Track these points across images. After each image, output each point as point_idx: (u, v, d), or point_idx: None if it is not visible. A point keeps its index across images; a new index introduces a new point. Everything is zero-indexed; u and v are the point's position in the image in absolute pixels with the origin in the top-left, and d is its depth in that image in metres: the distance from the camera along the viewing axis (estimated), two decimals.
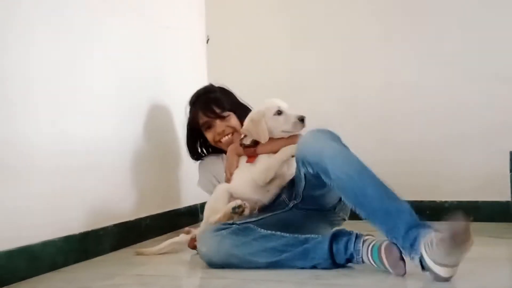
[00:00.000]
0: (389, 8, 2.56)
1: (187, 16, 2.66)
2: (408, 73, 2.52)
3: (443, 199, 2.45)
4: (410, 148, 2.50)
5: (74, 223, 1.68)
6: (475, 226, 1.25)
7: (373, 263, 1.34)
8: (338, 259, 1.40)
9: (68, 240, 1.63)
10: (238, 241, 1.49)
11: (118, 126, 1.95)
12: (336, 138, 1.48)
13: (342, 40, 2.63)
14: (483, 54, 2.40)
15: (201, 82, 2.26)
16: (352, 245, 1.37)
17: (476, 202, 2.39)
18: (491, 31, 2.39)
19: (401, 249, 1.27)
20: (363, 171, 1.37)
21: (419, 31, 2.51)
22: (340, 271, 1.38)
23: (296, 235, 1.46)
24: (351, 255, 1.38)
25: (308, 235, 1.45)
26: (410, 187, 2.42)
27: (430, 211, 2.40)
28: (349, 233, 1.41)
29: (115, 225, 1.88)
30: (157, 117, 2.23)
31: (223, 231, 1.53)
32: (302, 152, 1.51)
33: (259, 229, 1.50)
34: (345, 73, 2.62)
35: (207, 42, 2.78)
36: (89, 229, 1.74)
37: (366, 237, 1.38)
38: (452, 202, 2.43)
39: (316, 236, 1.44)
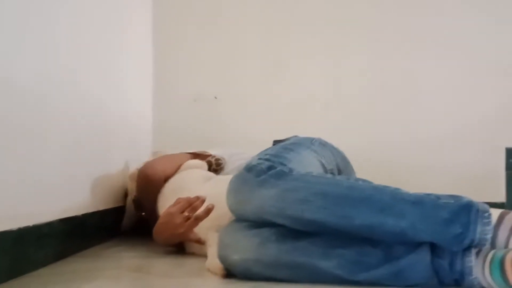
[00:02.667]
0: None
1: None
2: (401, 67, 2.24)
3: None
4: (401, 147, 2.22)
5: None
6: None
7: (493, 285, 0.91)
8: (444, 279, 0.95)
9: None
10: (289, 245, 0.99)
11: None
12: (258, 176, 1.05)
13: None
14: (479, 49, 2.20)
15: None
16: (460, 261, 0.94)
17: None
18: (488, 24, 2.20)
19: None
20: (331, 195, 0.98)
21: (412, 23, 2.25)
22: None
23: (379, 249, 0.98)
24: (461, 274, 0.94)
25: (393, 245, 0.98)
26: (399, 183, 2.17)
27: None
28: (457, 239, 0.93)
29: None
30: None
31: (263, 229, 1.02)
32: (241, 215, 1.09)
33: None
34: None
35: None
36: None
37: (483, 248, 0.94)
38: None
39: (408, 250, 0.97)
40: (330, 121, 2.22)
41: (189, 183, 1.41)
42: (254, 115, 2.23)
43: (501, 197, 2.15)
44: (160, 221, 1.32)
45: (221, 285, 0.99)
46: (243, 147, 2.17)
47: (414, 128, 2.22)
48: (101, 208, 1.55)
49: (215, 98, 2.25)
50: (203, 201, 1.29)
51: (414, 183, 2.10)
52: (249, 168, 1.05)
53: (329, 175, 1.05)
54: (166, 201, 1.38)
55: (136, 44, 2.04)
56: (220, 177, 1.47)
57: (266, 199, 1.00)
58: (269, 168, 1.04)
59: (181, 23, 2.27)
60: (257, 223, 1.03)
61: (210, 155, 1.61)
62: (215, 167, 1.57)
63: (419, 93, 2.23)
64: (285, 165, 1.08)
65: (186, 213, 1.27)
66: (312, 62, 2.25)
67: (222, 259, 1.04)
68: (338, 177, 1.03)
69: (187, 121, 2.23)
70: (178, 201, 1.32)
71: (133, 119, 1.97)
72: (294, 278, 0.99)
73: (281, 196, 0.99)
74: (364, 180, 1.02)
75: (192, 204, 1.29)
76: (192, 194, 1.31)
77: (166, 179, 1.50)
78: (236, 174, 1.08)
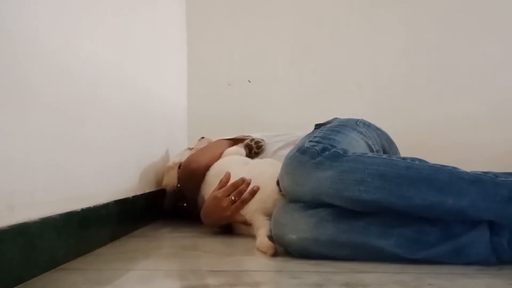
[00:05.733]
0: None
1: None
2: (437, 45, 2.21)
3: None
4: (439, 126, 2.21)
5: None
6: None
7: None
8: (503, 256, 0.96)
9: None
10: (346, 225, 1.01)
11: None
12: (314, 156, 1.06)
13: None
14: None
15: None
16: None
17: None
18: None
19: None
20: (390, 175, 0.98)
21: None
22: (508, 264, 0.96)
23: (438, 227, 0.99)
24: None
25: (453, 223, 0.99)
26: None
27: None
28: None
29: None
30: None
31: (319, 209, 1.04)
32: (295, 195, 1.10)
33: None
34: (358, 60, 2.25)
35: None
36: None
37: None
38: None
39: (467, 228, 0.98)
40: (365, 103, 2.21)
41: (231, 167, 1.43)
42: (288, 97, 2.24)
43: None
44: (206, 204, 1.35)
45: (284, 262, 1.01)
46: (278, 130, 2.19)
47: (452, 107, 2.20)
48: (147, 190, 1.58)
49: (249, 81, 2.26)
50: (248, 183, 1.31)
51: (454, 162, 2.13)
52: (303, 151, 1.07)
53: (384, 155, 1.05)
54: (210, 187, 1.41)
55: (171, 32, 2.05)
56: (257, 160, 1.49)
57: (323, 181, 1.01)
58: (323, 149, 1.05)
59: (213, 9, 2.27)
60: (313, 204, 1.05)
61: (249, 138, 1.62)
62: (256, 149, 1.58)
63: (456, 71, 2.20)
64: (336, 146, 1.10)
65: (232, 197, 1.30)
66: (345, 43, 2.24)
67: (278, 238, 1.06)
68: (394, 157, 1.03)
69: (221, 105, 2.24)
70: (222, 184, 1.34)
71: (171, 104, 2.00)
72: (353, 257, 1.00)
73: (338, 178, 1.00)
74: (420, 160, 1.02)
75: (237, 187, 1.31)
76: (234, 178, 1.34)
77: (208, 168, 1.52)
78: (290, 156, 1.10)
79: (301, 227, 1.03)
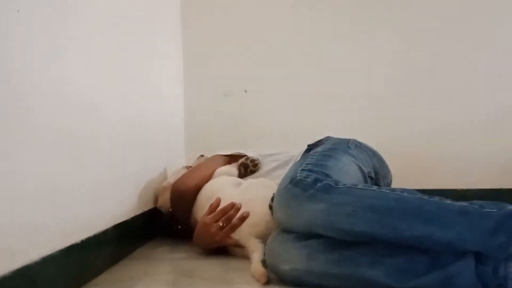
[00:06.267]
0: None
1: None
2: (432, 53, 2.23)
3: (465, 187, 2.22)
4: (428, 136, 2.23)
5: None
6: None
7: None
8: (488, 284, 0.99)
9: None
10: (337, 255, 1.05)
11: None
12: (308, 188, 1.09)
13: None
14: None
15: None
16: (503, 267, 0.97)
17: (500, 190, 2.20)
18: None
19: None
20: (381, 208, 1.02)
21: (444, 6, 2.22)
22: None
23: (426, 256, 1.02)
24: (504, 280, 0.97)
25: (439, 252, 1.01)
26: (430, 176, 2.21)
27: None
28: (502, 247, 0.97)
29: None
30: None
31: (311, 240, 1.07)
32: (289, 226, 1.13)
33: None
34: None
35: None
36: None
37: None
38: (474, 190, 2.21)
39: (454, 257, 1.00)
40: (361, 112, 2.24)
41: (222, 190, 1.45)
42: (284, 107, 2.26)
43: None
44: (197, 229, 1.39)
45: None
46: (275, 139, 2.22)
47: (447, 115, 2.22)
48: (145, 209, 1.62)
49: (245, 91, 2.28)
50: (238, 208, 1.35)
51: (449, 171, 2.17)
52: (295, 183, 1.10)
53: (375, 187, 1.08)
54: (201, 210, 1.44)
55: (166, 43, 2.07)
56: (250, 181, 1.50)
57: (315, 214, 1.04)
58: (315, 181, 1.08)
59: (209, 19, 2.29)
60: (306, 234, 1.08)
61: (245, 156, 1.64)
62: (252, 168, 1.61)
63: (451, 79, 2.22)
64: (328, 175, 1.13)
65: (220, 223, 1.33)
66: (341, 52, 2.26)
67: (272, 268, 1.10)
68: (384, 189, 1.06)
69: (219, 116, 2.27)
70: (212, 209, 1.37)
71: (168, 117, 2.02)
72: (344, 287, 1.03)
73: (330, 210, 1.03)
74: (409, 192, 1.05)
75: (226, 212, 1.35)
76: (225, 201, 1.36)
77: (198, 189, 1.54)
78: (283, 188, 1.13)
79: (294, 258, 1.06)
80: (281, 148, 1.77)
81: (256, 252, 1.21)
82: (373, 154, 1.46)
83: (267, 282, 1.09)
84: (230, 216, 1.33)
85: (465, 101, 2.22)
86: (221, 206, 1.37)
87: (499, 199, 2.11)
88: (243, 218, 1.32)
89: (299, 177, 1.10)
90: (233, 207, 1.35)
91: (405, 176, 2.17)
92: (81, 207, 1.14)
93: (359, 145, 1.44)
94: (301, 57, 2.27)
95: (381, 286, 1.01)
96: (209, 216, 1.35)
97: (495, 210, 0.99)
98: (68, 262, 1.05)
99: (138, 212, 1.54)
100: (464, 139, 2.22)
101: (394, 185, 1.94)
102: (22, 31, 0.91)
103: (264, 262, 1.14)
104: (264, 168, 1.61)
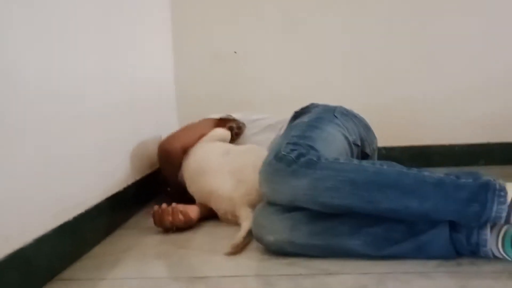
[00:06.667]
0: None
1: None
2: (422, 18, 2.20)
3: (453, 143, 2.26)
4: (416, 93, 2.24)
5: None
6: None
7: (506, 256, 1.00)
8: (461, 250, 1.05)
9: None
10: (319, 227, 1.10)
11: None
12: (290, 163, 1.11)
13: None
14: None
15: None
16: (476, 234, 1.03)
17: (488, 144, 2.24)
18: None
19: None
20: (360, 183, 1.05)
21: None
22: (465, 258, 1.06)
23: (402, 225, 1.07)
24: (476, 246, 1.03)
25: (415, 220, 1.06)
26: (418, 133, 2.24)
27: (439, 156, 2.24)
28: (475, 216, 1.01)
29: None
30: None
31: (294, 213, 1.12)
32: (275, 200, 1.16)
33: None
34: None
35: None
36: None
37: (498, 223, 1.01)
38: (462, 145, 2.25)
39: (428, 226, 1.05)
40: (350, 76, 2.24)
41: (210, 162, 1.47)
42: (274, 69, 2.26)
43: None
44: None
45: (261, 262, 1.11)
46: (264, 101, 2.23)
47: (436, 80, 2.23)
48: (138, 177, 1.66)
49: (235, 52, 2.27)
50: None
51: (441, 136, 2.20)
52: (279, 158, 1.13)
53: (356, 161, 1.11)
54: (189, 178, 1.50)
55: (154, 7, 2.04)
56: (238, 149, 1.52)
57: (298, 189, 1.08)
58: (298, 156, 1.11)
59: None
60: (290, 207, 1.12)
61: (233, 120, 1.67)
62: (236, 130, 1.65)
63: (442, 45, 2.21)
64: (313, 147, 1.16)
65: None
66: (330, 16, 2.23)
67: (258, 238, 1.15)
68: (364, 163, 1.09)
69: (209, 78, 2.27)
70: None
71: (157, 83, 2.03)
72: (325, 256, 1.09)
73: (312, 185, 1.07)
74: (389, 164, 1.09)
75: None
76: (215, 171, 1.41)
77: (185, 151, 1.58)
78: (267, 162, 1.16)
79: (278, 230, 1.12)
80: (270, 111, 1.82)
81: (245, 222, 1.25)
82: (359, 122, 1.48)
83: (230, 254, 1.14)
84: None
85: (454, 67, 2.22)
86: (211, 175, 1.43)
87: (484, 152, 2.17)
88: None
89: (283, 153, 1.13)
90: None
91: (399, 134, 2.22)
92: (72, 183, 1.18)
93: (345, 113, 1.46)
94: (291, 20, 2.24)
95: (360, 255, 1.08)
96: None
97: (470, 181, 1.03)
98: (62, 240, 1.10)
99: (130, 181, 1.58)
100: (453, 101, 2.24)
101: (385, 144, 1.98)
102: None
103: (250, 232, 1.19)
104: (247, 132, 1.64)
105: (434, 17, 2.20)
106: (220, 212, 1.41)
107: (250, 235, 1.20)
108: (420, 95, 2.24)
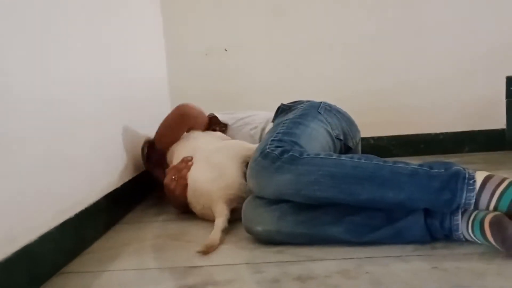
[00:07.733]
0: None
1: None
2: (404, 6, 2.28)
3: (438, 131, 2.34)
4: (400, 81, 2.31)
5: None
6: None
7: (476, 239, 1.09)
8: (436, 235, 1.14)
9: None
10: (304, 217, 1.18)
11: None
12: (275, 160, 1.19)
13: None
14: None
15: None
16: (448, 220, 1.11)
17: (472, 131, 2.32)
18: None
19: None
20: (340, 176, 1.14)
21: None
22: (439, 242, 1.14)
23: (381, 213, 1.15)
24: (449, 231, 1.12)
25: (392, 210, 1.15)
26: (404, 122, 2.32)
27: (424, 145, 2.32)
28: (447, 203, 1.09)
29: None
30: None
31: (281, 204, 1.20)
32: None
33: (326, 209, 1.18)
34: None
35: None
36: None
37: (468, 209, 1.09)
38: (446, 133, 2.33)
39: (405, 213, 1.14)
40: (336, 63, 2.31)
41: (198, 153, 1.53)
42: (265, 63, 2.33)
43: (502, 124, 2.29)
44: (166, 194, 1.52)
45: (251, 251, 1.19)
46: (254, 95, 2.30)
47: (421, 67, 2.30)
48: (134, 174, 1.73)
49: (225, 50, 2.33)
50: (186, 160, 1.51)
51: (422, 122, 2.28)
52: (264, 155, 1.21)
53: (335, 156, 1.19)
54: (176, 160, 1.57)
55: (145, 6, 2.09)
56: (220, 144, 1.55)
57: (283, 183, 1.17)
58: (282, 153, 1.19)
59: None
60: (276, 200, 1.20)
61: (216, 126, 1.77)
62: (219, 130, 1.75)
63: (426, 34, 2.29)
64: (296, 143, 1.24)
65: (174, 176, 1.48)
66: (317, 6, 2.30)
67: (247, 229, 1.24)
68: (343, 157, 1.17)
69: (201, 75, 2.34)
70: (167, 171, 1.52)
71: (150, 81, 2.09)
72: (310, 243, 1.18)
73: (295, 180, 1.15)
74: (366, 157, 1.17)
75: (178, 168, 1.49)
76: (198, 165, 1.48)
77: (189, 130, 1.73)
78: (254, 159, 1.24)
79: (266, 221, 1.20)
80: (263, 105, 1.89)
81: (219, 218, 1.31)
82: (342, 116, 1.55)
83: (202, 252, 1.18)
84: (179, 167, 1.48)
85: (438, 53, 2.29)
86: (196, 165, 1.50)
87: (468, 139, 2.23)
88: (186, 161, 1.49)
89: (267, 150, 1.21)
90: (183, 161, 1.50)
91: (386, 124, 2.30)
92: (72, 183, 1.25)
93: (328, 109, 1.53)
94: (276, 12, 2.31)
95: (342, 241, 1.16)
96: (166, 177, 1.49)
97: (442, 171, 1.11)
98: (65, 236, 1.18)
99: (127, 178, 1.66)
100: (437, 89, 2.31)
101: (373, 134, 2.06)
102: None
103: (224, 231, 1.27)
104: (232, 131, 1.73)
105: (417, 5, 2.27)
106: (197, 209, 1.45)
107: (223, 233, 1.27)
108: (406, 85, 2.31)
